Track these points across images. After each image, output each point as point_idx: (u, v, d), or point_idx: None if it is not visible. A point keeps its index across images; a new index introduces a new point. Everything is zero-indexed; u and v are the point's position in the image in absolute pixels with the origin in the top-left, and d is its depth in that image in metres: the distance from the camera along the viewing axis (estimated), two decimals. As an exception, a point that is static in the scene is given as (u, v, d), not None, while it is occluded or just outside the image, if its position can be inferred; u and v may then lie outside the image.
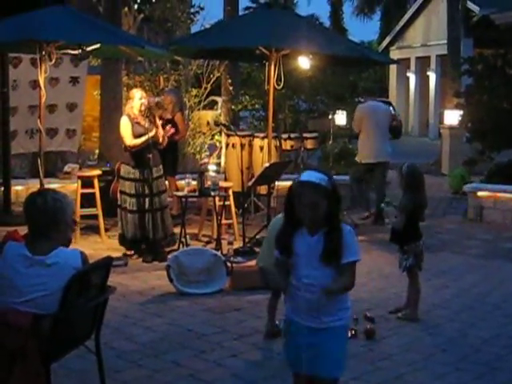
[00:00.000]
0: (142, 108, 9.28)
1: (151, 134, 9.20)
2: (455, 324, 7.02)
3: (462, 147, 17.95)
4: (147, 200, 9.29)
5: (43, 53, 9.32)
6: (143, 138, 9.21)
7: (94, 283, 4.65)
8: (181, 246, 9.39)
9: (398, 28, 38.04)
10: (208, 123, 16.59)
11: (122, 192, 9.44)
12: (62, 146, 13.06)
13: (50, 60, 9.49)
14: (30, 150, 12.35)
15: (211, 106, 19.42)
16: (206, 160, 13.43)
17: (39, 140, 9.77)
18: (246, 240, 9.88)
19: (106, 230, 10.64)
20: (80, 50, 9.54)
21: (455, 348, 6.37)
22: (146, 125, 9.27)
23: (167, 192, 9.89)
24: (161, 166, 9.55)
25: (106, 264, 4.83)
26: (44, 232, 4.38)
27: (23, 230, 5.09)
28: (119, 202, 9.49)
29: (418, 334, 6.72)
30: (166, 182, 10.22)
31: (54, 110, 12.64)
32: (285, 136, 12.08)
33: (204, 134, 16.38)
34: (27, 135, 12.32)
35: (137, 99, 9.36)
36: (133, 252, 9.47)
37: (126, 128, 9.32)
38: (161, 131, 9.42)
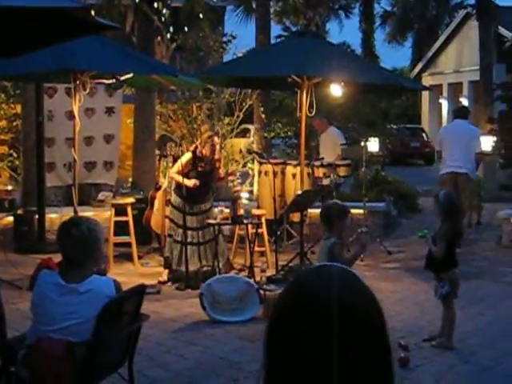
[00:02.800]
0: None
1: (190, 183, 9.36)
2: (491, 352, 6.92)
3: (496, 173, 17.84)
4: (193, 233, 9.54)
5: (77, 82, 9.44)
6: (180, 179, 9.28)
7: (128, 311, 4.68)
8: (214, 273, 9.41)
9: (429, 54, 37.98)
10: (240, 151, 16.62)
11: (170, 220, 9.67)
12: (100, 179, 13.16)
13: (84, 89, 9.60)
14: (67, 183, 12.19)
15: (244, 133, 19.49)
16: (238, 188, 13.44)
17: (73, 169, 9.87)
18: (279, 267, 9.86)
19: (139, 257, 10.70)
20: (113, 80, 9.64)
21: (490, 377, 6.30)
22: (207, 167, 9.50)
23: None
24: (211, 200, 9.79)
25: (139, 292, 4.86)
26: (79, 261, 4.42)
27: (57, 258, 5.13)
28: (168, 231, 9.71)
29: (453, 363, 6.64)
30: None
31: (91, 143, 12.77)
32: (317, 163, 12.07)
33: (236, 161, 16.41)
34: (65, 168, 12.39)
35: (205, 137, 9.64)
36: (168, 279, 9.52)
37: (182, 158, 9.51)
38: (223, 169, 9.67)
